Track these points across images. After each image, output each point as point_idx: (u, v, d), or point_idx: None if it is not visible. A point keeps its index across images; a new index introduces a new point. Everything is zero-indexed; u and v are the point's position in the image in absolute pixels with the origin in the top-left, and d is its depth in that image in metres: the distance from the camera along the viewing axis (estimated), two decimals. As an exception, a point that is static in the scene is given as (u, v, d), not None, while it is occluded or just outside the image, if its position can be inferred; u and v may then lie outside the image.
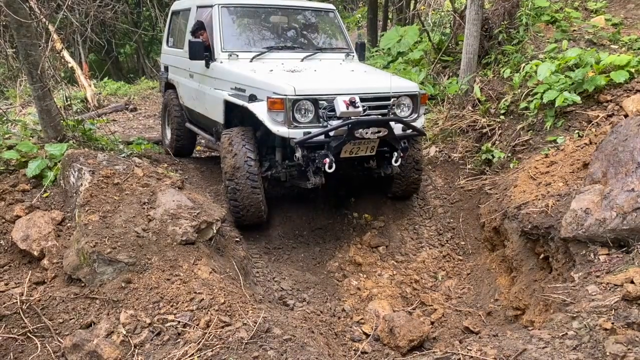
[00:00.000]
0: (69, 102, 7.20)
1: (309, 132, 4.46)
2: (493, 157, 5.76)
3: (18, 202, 4.16)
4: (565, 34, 6.73)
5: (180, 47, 6.69)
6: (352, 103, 4.44)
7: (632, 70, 5.18)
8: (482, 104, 6.35)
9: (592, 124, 5.04)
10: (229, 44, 5.55)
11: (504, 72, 6.35)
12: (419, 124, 4.98)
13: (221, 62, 5.43)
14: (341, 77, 5.11)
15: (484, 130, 6.14)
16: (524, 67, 6.01)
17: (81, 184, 4.10)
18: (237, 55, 5.46)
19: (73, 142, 5.33)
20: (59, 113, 5.47)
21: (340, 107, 4.43)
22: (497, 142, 5.92)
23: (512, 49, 6.61)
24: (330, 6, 6.44)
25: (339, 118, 4.50)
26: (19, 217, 4.02)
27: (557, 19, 6.98)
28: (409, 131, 4.86)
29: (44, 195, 4.30)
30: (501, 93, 6.31)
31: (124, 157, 5.05)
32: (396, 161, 4.88)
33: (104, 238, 3.53)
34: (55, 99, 5.57)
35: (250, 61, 5.41)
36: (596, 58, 5.40)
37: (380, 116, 4.69)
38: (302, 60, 5.61)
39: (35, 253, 3.77)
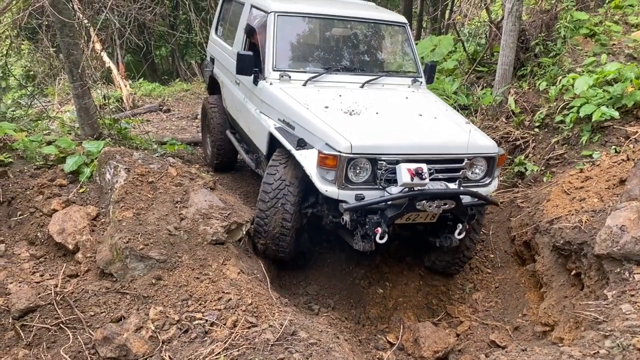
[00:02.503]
0: (107, 101, 7.36)
1: (362, 196, 3.82)
2: (526, 170, 5.67)
3: (55, 196, 4.28)
4: (604, 47, 6.60)
5: (229, 42, 5.94)
6: (418, 174, 3.70)
7: (674, 86, 5.06)
8: (516, 116, 6.26)
9: (630, 140, 4.93)
10: (282, 62, 4.85)
11: (539, 84, 6.26)
12: (491, 188, 4.27)
13: (271, 84, 4.70)
14: (407, 127, 4.23)
15: (518, 143, 6.05)
16: (560, 80, 5.91)
17: (116, 181, 4.19)
18: (290, 76, 4.74)
19: (109, 140, 5.47)
20: (96, 111, 5.62)
21: (404, 177, 3.71)
22: (530, 155, 5.83)
23: (549, 61, 6.51)
24: (402, 18, 5.55)
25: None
26: (55, 210, 4.14)
27: (596, 33, 6.84)
28: (477, 200, 4.13)
29: (80, 190, 4.42)
30: (536, 105, 6.21)
31: (157, 156, 5.15)
32: (459, 233, 4.18)
33: (137, 235, 3.60)
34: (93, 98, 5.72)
35: (304, 84, 4.70)
36: (636, 73, 5.28)
37: (447, 183, 3.97)
38: (363, 85, 4.85)
39: (70, 246, 3.87)
